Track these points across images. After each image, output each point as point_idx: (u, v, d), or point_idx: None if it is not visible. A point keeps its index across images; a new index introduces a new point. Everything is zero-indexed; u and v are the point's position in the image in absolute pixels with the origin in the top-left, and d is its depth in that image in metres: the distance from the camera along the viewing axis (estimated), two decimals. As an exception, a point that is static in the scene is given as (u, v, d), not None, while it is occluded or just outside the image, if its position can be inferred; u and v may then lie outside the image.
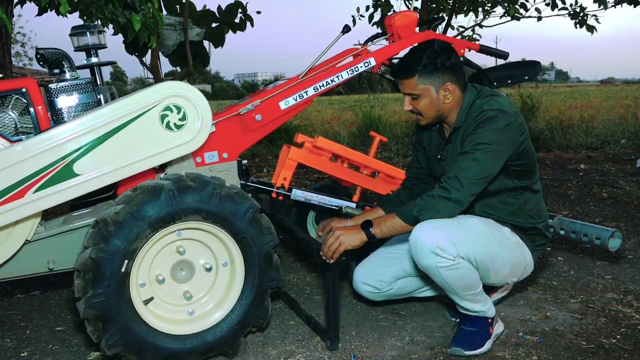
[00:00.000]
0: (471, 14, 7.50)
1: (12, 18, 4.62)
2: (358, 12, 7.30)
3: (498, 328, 2.11)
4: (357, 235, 1.98)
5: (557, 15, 7.27)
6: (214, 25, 6.44)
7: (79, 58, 2.23)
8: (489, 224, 2.04)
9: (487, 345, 2.03)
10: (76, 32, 2.18)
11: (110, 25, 4.17)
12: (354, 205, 2.57)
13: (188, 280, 1.98)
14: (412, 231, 1.92)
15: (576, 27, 7.22)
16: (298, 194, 2.47)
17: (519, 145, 1.97)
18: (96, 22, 3.86)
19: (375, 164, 2.63)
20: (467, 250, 1.90)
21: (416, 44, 2.07)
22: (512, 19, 7.23)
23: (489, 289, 2.30)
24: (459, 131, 2.06)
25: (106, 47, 2.24)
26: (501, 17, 7.45)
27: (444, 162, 2.14)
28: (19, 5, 4.70)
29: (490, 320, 2.06)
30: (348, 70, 2.31)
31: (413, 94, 2.03)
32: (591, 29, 7.12)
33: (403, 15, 2.37)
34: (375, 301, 2.29)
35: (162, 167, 2.11)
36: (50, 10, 4.16)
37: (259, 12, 6.51)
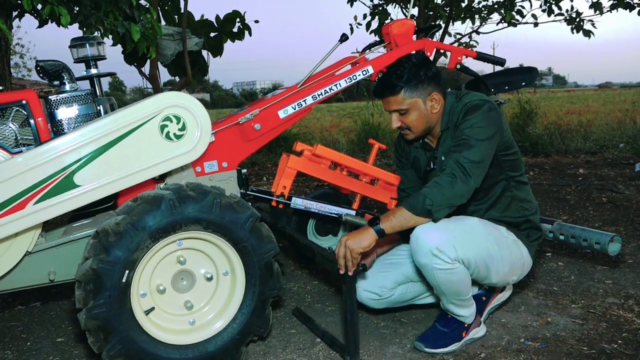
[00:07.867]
0: (468, 21, 7.53)
1: (12, 30, 4.64)
2: (355, 20, 7.33)
3: (477, 332, 2.14)
4: (365, 235, 1.88)
5: (554, 21, 7.31)
6: (212, 34, 6.47)
7: (79, 69, 2.25)
8: (487, 223, 2.08)
9: (453, 347, 2.07)
10: (76, 43, 2.19)
11: (110, 36, 4.19)
12: (353, 212, 2.57)
13: (189, 290, 1.99)
14: (414, 229, 1.92)
15: (573, 33, 7.26)
16: (298, 202, 2.47)
17: (504, 132, 2.03)
18: (95, 33, 3.89)
19: (374, 171, 2.63)
20: (468, 253, 1.93)
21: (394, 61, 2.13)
22: (508, 26, 7.26)
23: (490, 293, 2.30)
24: (446, 133, 2.11)
25: (105, 59, 2.25)
26: (497, 23, 7.49)
27: (436, 171, 2.18)
28: (17, 18, 4.73)
29: (466, 325, 2.10)
30: (346, 78, 2.32)
31: (401, 110, 2.08)
32: (588, 33, 7.15)
33: (400, 23, 2.39)
34: (377, 309, 2.29)
35: (162, 177, 2.12)
36: (51, 22, 4.18)
37: (257, 22, 6.54)
